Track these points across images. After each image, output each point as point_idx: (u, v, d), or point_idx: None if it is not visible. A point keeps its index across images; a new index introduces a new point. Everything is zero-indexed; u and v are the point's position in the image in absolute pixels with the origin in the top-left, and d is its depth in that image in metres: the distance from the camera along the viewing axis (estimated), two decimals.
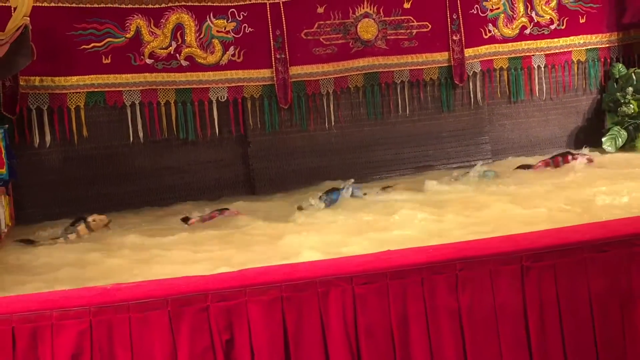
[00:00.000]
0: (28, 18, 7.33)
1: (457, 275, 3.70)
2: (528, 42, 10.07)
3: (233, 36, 8.97)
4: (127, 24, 8.60)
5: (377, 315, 3.64)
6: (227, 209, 7.83)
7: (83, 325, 3.45)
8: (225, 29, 8.95)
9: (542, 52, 10.13)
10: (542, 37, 10.11)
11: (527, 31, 10.05)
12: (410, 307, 3.67)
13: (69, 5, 8.35)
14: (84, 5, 8.41)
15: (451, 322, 3.69)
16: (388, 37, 9.48)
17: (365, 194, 8.04)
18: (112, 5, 8.50)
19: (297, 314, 3.60)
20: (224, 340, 3.54)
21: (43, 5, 8.08)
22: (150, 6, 8.66)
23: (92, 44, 8.48)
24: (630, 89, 9.80)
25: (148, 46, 8.68)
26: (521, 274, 3.76)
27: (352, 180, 8.16)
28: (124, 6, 8.56)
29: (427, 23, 9.59)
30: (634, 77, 9.84)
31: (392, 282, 3.68)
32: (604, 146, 9.71)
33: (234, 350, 3.57)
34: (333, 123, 9.41)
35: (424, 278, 3.70)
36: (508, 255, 3.79)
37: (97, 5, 8.45)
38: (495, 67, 9.98)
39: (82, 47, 8.45)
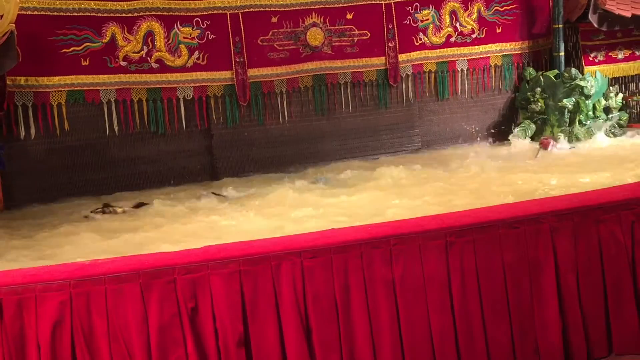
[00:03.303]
0: (14, 25, 7.15)
1: (391, 250, 3.73)
2: (453, 48, 10.12)
3: (198, 42, 8.86)
4: (104, 31, 8.43)
5: (322, 285, 3.65)
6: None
7: (64, 297, 3.40)
8: (190, 35, 8.83)
9: (464, 58, 10.19)
10: (465, 44, 10.18)
11: (452, 39, 10.11)
12: (351, 277, 3.69)
13: (51, 14, 8.15)
14: (65, 14, 8.22)
15: (386, 290, 3.72)
16: (333, 44, 9.46)
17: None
18: (89, 14, 8.33)
19: (253, 284, 3.59)
20: (189, 307, 3.52)
21: (27, 13, 7.88)
22: (124, 15, 8.50)
23: (72, 48, 8.30)
24: (539, 89, 9.93)
25: (122, 50, 8.52)
26: (445, 247, 3.81)
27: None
28: (101, 15, 8.38)
29: (366, 32, 9.59)
30: (541, 79, 9.98)
31: (335, 256, 3.69)
32: (516, 136, 9.86)
33: (198, 316, 3.55)
34: (286, 118, 9.36)
35: (363, 252, 3.71)
36: (435, 232, 3.82)
37: (76, 14, 8.28)
38: (425, 70, 10.02)
39: (63, 50, 8.26)
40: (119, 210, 7.42)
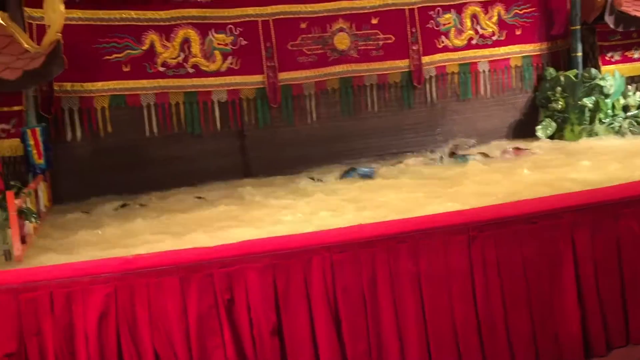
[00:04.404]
0: (60, 34, 7.26)
1: (416, 245, 3.73)
2: (474, 50, 10.04)
3: (231, 48, 8.91)
4: (143, 38, 8.52)
5: (351, 277, 3.66)
6: None
7: (109, 289, 3.45)
8: (224, 41, 8.88)
9: (486, 59, 10.10)
10: (486, 46, 10.09)
11: (474, 41, 10.03)
12: (379, 270, 3.69)
13: (94, 24, 8.27)
14: (107, 23, 8.33)
15: (412, 283, 3.72)
16: (359, 48, 9.44)
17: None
18: (130, 23, 8.42)
19: (285, 277, 3.61)
20: (225, 299, 3.55)
21: (72, 23, 7.98)
22: (162, 23, 8.58)
23: (114, 55, 8.40)
24: (559, 88, 9.82)
25: (161, 56, 8.60)
26: (468, 242, 3.80)
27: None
28: (140, 24, 8.47)
29: (391, 36, 9.56)
30: (562, 79, 9.86)
31: (363, 250, 3.70)
32: (538, 134, 9.77)
33: (234, 307, 3.58)
34: (314, 119, 9.36)
35: (390, 246, 3.72)
36: (458, 227, 3.82)
37: (118, 23, 8.38)
38: (448, 71, 9.95)
39: (105, 57, 8.36)
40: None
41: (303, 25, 9.16)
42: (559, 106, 9.78)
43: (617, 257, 4.13)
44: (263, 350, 3.53)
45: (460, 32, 9.94)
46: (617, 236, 4.06)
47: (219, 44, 8.85)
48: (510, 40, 10.18)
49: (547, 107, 9.96)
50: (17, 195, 5.69)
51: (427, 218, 4.10)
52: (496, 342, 3.88)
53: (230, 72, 8.91)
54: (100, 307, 3.42)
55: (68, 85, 8.20)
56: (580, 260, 4.03)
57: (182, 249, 3.95)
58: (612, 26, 9.65)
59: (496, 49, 10.13)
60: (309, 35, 9.22)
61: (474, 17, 9.99)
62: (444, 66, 9.90)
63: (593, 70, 9.72)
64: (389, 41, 9.55)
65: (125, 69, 8.47)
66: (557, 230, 3.92)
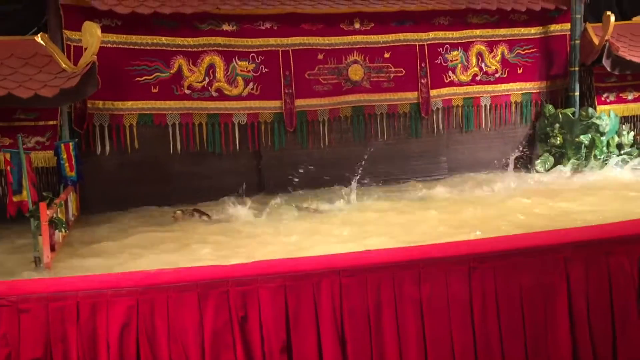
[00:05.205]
0: (95, 56, 7.33)
1: (420, 272, 3.70)
2: (478, 86, 10.09)
3: (252, 74, 8.98)
4: (172, 62, 8.60)
5: (357, 301, 3.62)
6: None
7: (131, 302, 3.43)
8: (247, 68, 8.95)
9: (488, 94, 10.15)
10: (489, 82, 10.14)
11: (478, 78, 10.08)
12: (383, 295, 3.66)
13: (127, 47, 8.36)
14: (139, 47, 8.41)
15: (414, 308, 3.68)
16: (372, 79, 9.49)
17: None
18: (160, 48, 8.51)
19: (296, 297, 3.58)
20: (240, 316, 3.52)
21: (107, 46, 8.07)
22: (190, 49, 8.67)
23: (144, 77, 8.48)
24: (557, 125, 9.83)
25: (187, 80, 8.68)
26: (469, 272, 3.76)
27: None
28: (170, 49, 8.57)
29: (402, 69, 9.61)
30: (560, 116, 9.87)
31: (370, 275, 3.66)
32: (536, 167, 9.76)
33: (247, 324, 3.55)
34: (327, 143, 9.42)
35: (394, 273, 3.68)
36: (459, 258, 3.78)
37: (149, 48, 8.46)
38: (453, 104, 9.99)
39: (136, 79, 8.45)
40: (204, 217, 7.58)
41: (320, 56, 9.23)
42: (558, 141, 9.77)
43: (608, 291, 4.08)
44: None
45: (466, 68, 9.97)
46: (608, 272, 4.02)
47: (241, 70, 8.92)
48: (512, 77, 10.23)
49: (546, 142, 9.95)
50: (48, 205, 5.71)
51: (431, 247, 4.07)
52: None
53: (250, 97, 8.97)
54: (123, 318, 3.39)
55: (100, 103, 8.27)
56: (574, 293, 3.98)
57: (201, 266, 3.94)
58: (608, 69, 9.66)
59: (498, 85, 10.18)
60: (325, 66, 9.28)
61: (480, 55, 10.03)
62: (450, 99, 9.95)
63: (590, 110, 9.73)
64: (400, 74, 9.59)
65: (154, 90, 8.54)
66: (552, 264, 3.88)
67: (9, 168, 5.72)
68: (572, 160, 9.44)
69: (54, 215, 5.93)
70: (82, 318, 3.37)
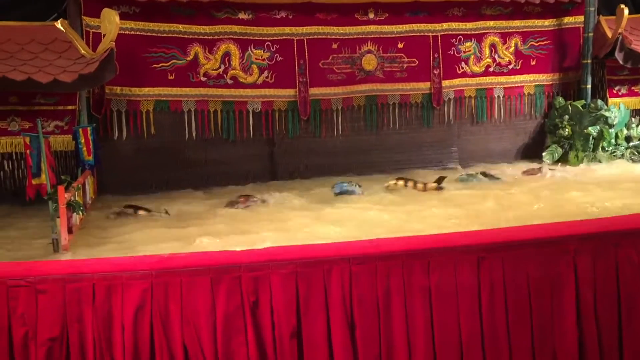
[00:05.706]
0: (114, 43, 7.34)
1: (429, 261, 3.69)
2: (491, 77, 10.01)
3: (267, 63, 8.96)
4: (188, 50, 8.60)
5: (367, 288, 3.63)
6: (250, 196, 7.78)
7: (146, 285, 3.45)
8: (262, 57, 8.93)
9: (501, 86, 10.06)
10: (502, 74, 10.05)
11: (491, 69, 9.99)
12: (393, 283, 3.66)
13: (145, 34, 8.36)
14: (156, 35, 8.41)
15: (423, 296, 3.68)
16: (385, 69, 9.44)
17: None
18: (177, 36, 8.50)
19: (307, 284, 3.59)
20: (251, 301, 3.54)
21: (125, 33, 8.08)
22: (206, 37, 8.66)
23: (161, 64, 8.49)
24: (567, 117, 9.74)
25: (203, 67, 8.68)
26: (477, 262, 3.75)
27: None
28: (187, 37, 8.56)
29: (415, 60, 9.55)
30: (570, 108, 9.79)
31: (380, 263, 3.66)
32: (544, 159, 9.68)
33: (258, 309, 3.56)
34: (340, 132, 9.39)
35: (404, 261, 3.68)
36: (468, 248, 3.77)
37: (166, 35, 8.46)
38: (465, 95, 9.92)
39: (153, 65, 8.46)
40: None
41: (334, 46, 9.19)
42: (566, 133, 9.70)
43: (615, 283, 4.06)
44: (282, 351, 3.51)
45: (479, 59, 9.89)
46: (616, 263, 4.00)
47: (256, 58, 8.90)
48: (525, 69, 10.13)
49: (555, 134, 9.88)
50: (66, 189, 5.75)
51: (441, 237, 4.06)
52: (498, 355, 3.83)
53: (265, 85, 8.96)
54: (137, 300, 3.42)
55: (118, 89, 8.29)
56: (581, 284, 3.97)
57: (214, 251, 3.96)
58: (621, 62, 9.55)
59: (511, 76, 10.09)
60: (339, 55, 9.24)
61: (493, 46, 9.94)
62: (462, 90, 9.87)
63: (599, 102, 9.63)
64: (413, 64, 9.54)
65: (170, 77, 8.55)
66: (560, 255, 3.86)
67: (28, 152, 5.75)
68: (579, 154, 9.36)
69: (72, 199, 5.97)
70: (97, 300, 3.40)
